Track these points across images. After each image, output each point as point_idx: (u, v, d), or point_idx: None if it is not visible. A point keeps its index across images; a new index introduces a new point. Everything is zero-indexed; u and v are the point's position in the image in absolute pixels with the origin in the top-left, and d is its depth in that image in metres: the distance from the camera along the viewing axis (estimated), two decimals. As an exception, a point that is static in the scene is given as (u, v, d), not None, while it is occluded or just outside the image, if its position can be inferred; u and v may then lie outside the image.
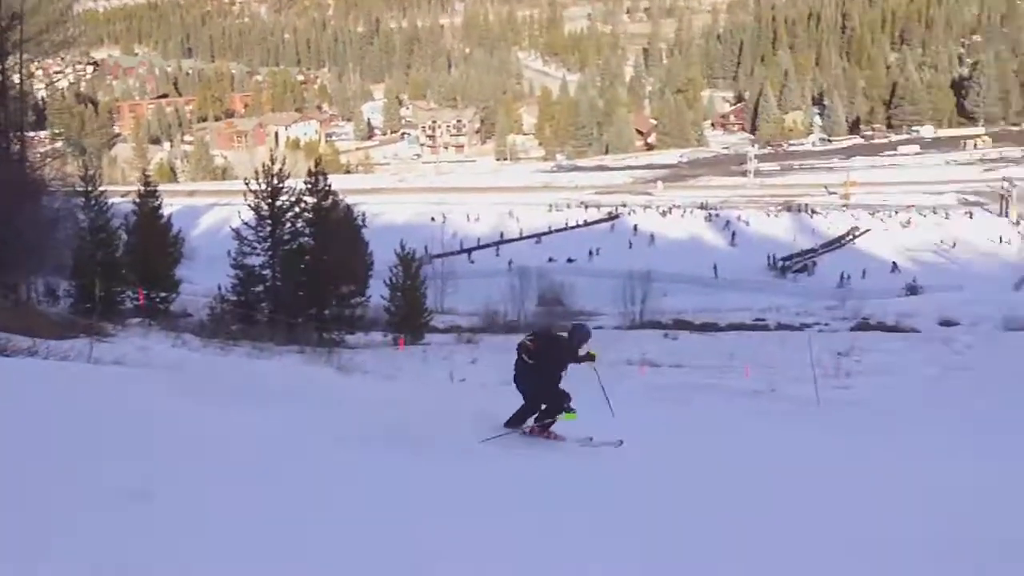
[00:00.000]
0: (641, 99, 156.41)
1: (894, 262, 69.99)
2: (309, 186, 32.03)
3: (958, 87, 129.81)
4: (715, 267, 66.28)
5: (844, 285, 60.63)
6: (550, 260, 68.48)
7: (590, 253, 73.27)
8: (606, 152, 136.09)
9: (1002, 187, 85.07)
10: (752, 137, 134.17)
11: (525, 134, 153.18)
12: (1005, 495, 8.06)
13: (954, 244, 74.89)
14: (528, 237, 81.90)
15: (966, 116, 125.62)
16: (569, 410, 9.49)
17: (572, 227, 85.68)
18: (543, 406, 9.74)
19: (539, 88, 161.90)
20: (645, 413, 13.55)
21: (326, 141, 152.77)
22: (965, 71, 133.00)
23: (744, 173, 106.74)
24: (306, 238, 31.98)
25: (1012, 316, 27.91)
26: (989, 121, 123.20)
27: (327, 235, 32.08)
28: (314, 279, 31.37)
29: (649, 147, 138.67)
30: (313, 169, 33.14)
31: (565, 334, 9.84)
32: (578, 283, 52.15)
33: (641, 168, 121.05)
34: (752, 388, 21.12)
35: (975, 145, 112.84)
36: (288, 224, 31.56)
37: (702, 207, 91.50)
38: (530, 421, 9.81)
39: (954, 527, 6.56)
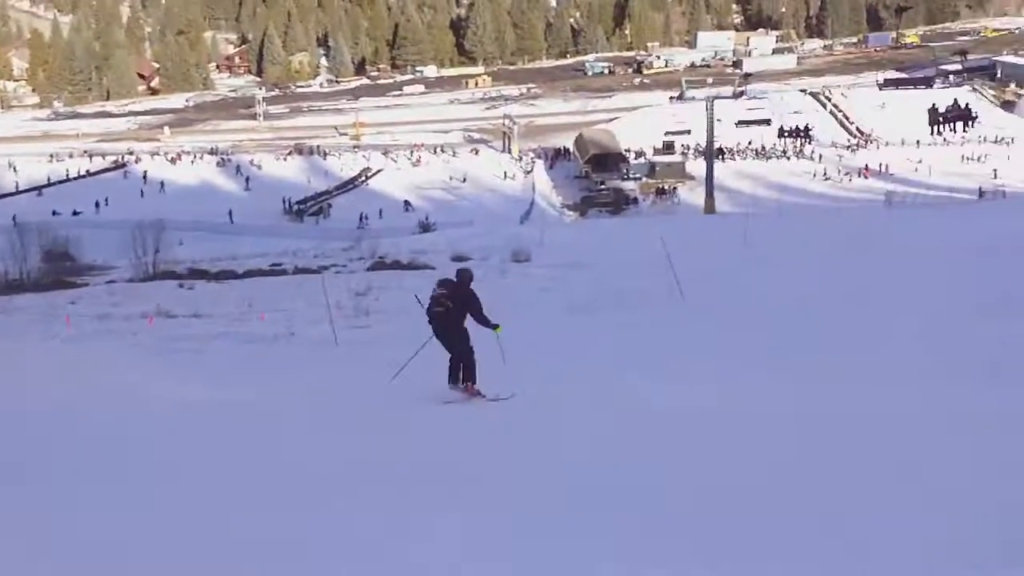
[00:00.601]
0: (141, 41, 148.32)
1: (407, 200, 71.79)
2: None
3: (456, 27, 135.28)
4: (230, 213, 64.37)
5: (362, 226, 61.11)
6: (54, 213, 63.09)
7: (97, 204, 68.51)
8: (107, 98, 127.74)
9: (503, 124, 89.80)
10: (259, 80, 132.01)
11: (16, 80, 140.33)
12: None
13: (464, 179, 78.18)
14: (28, 190, 75.38)
15: (466, 55, 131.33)
16: (495, 326, 11.12)
17: (76, 178, 79.51)
18: (465, 356, 11.09)
19: (29, 30, 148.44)
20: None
21: None
22: (463, 12, 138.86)
23: (253, 116, 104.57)
24: None
25: (517, 249, 28.90)
26: (487, 61, 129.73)
27: None
28: None
29: (153, 91, 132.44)
30: None
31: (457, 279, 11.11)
32: (85, 236, 48.25)
33: (146, 114, 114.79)
34: (271, 333, 20.69)
35: (476, 84, 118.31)
36: None
37: (212, 152, 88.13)
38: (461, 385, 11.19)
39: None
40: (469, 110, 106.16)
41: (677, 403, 10.57)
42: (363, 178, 79.62)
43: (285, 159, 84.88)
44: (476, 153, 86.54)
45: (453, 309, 10.88)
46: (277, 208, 69.56)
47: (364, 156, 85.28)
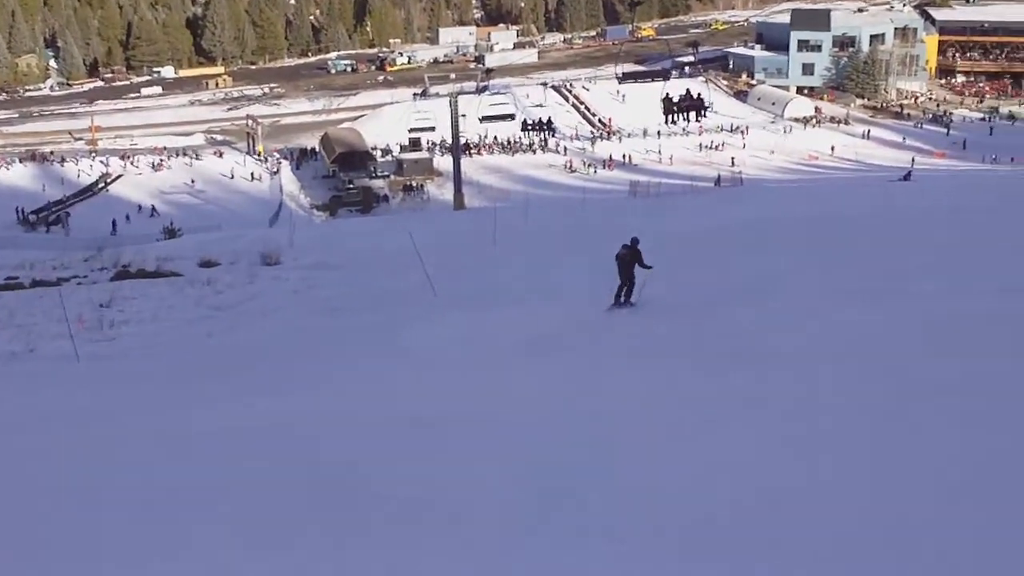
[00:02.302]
0: None
1: (153, 206, 69.39)
2: None
3: (194, 27, 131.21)
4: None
5: (114, 232, 58.67)
6: None
7: None
8: None
9: (247, 125, 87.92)
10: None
11: None
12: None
13: (209, 182, 76.14)
14: None
15: (204, 55, 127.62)
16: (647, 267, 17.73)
17: None
18: (629, 284, 17.84)
19: None
20: None
21: None
22: (199, 10, 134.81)
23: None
24: None
25: (267, 251, 28.52)
26: (227, 60, 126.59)
27: None
28: None
29: None
30: None
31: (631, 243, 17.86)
32: None
33: None
34: (8, 350, 19.71)
35: (217, 84, 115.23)
36: None
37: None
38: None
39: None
40: (211, 111, 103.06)
41: (436, 408, 10.78)
42: (102, 184, 76.10)
43: (9, 167, 79.84)
44: (220, 155, 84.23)
45: (627, 256, 17.69)
46: (10, 219, 65.61)
47: (102, 161, 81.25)
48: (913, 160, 73.22)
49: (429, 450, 8.70)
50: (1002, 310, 13.66)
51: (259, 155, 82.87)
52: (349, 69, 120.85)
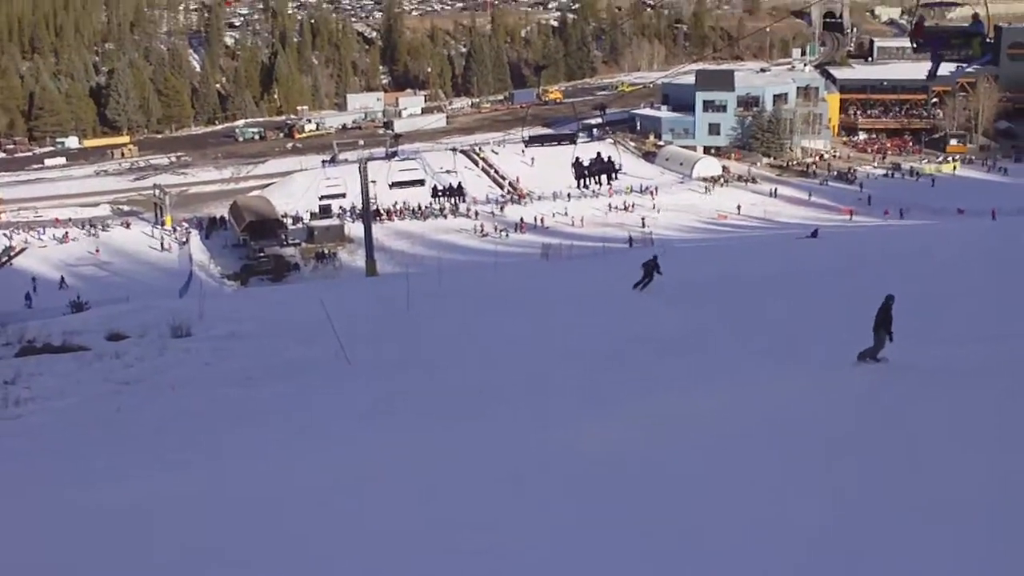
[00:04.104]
0: None
1: (62, 277, 68.13)
2: None
3: (97, 96, 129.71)
4: None
5: (29, 304, 57.44)
6: None
7: None
8: None
9: (154, 195, 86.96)
10: None
11: None
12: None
13: (116, 254, 74.98)
14: None
15: (109, 125, 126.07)
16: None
17: None
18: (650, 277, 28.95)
19: None
20: None
21: None
22: (103, 79, 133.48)
23: None
24: None
25: (177, 323, 28.11)
26: (133, 129, 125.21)
27: None
28: None
29: None
30: None
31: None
32: None
33: None
34: None
35: (123, 154, 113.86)
36: None
37: None
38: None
39: None
40: (117, 181, 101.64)
41: (345, 474, 10.80)
42: (6, 258, 74.45)
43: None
44: (128, 226, 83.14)
45: (650, 263, 28.35)
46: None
47: (5, 235, 79.72)
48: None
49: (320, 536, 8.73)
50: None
51: (167, 225, 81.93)
52: (257, 137, 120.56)
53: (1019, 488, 8.84)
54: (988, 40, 15.79)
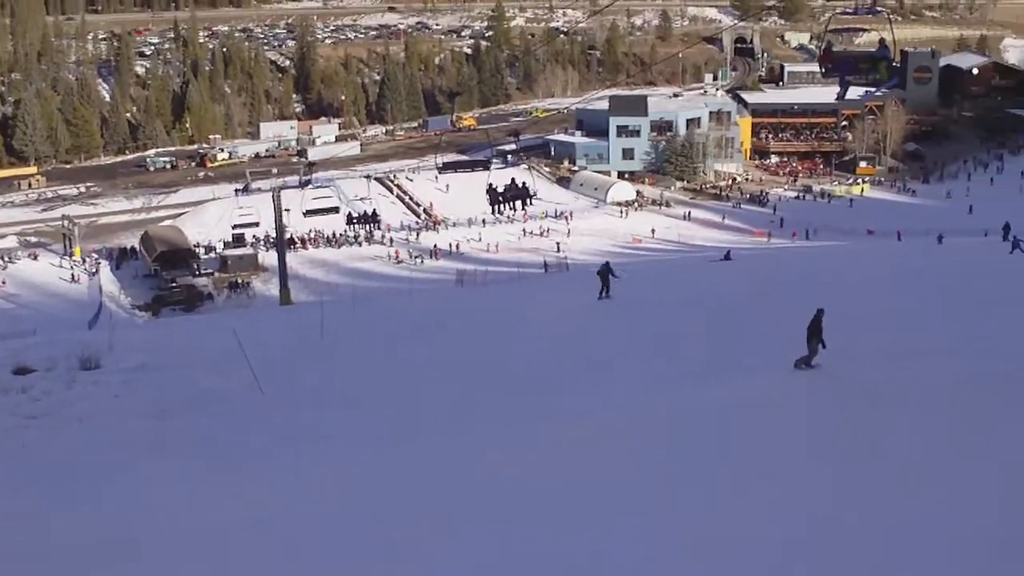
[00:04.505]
0: None
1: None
2: None
3: (3, 126, 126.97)
4: None
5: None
6: None
7: None
8: None
9: (63, 226, 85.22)
10: None
11: None
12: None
13: (24, 285, 73.35)
14: None
15: (16, 155, 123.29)
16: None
17: None
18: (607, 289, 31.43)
19: None
20: None
21: None
22: (9, 110, 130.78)
23: None
24: None
25: (86, 355, 27.63)
26: (40, 160, 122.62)
27: None
28: None
29: None
30: None
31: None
32: None
33: None
34: None
35: (30, 185, 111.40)
36: None
37: None
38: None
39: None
40: (24, 213, 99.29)
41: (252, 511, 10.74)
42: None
43: None
44: (35, 258, 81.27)
45: (603, 270, 31.42)
46: None
47: (-95, 269, 77.48)
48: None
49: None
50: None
51: (76, 256, 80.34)
52: (168, 166, 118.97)
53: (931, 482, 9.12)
54: (894, 64, 16.28)
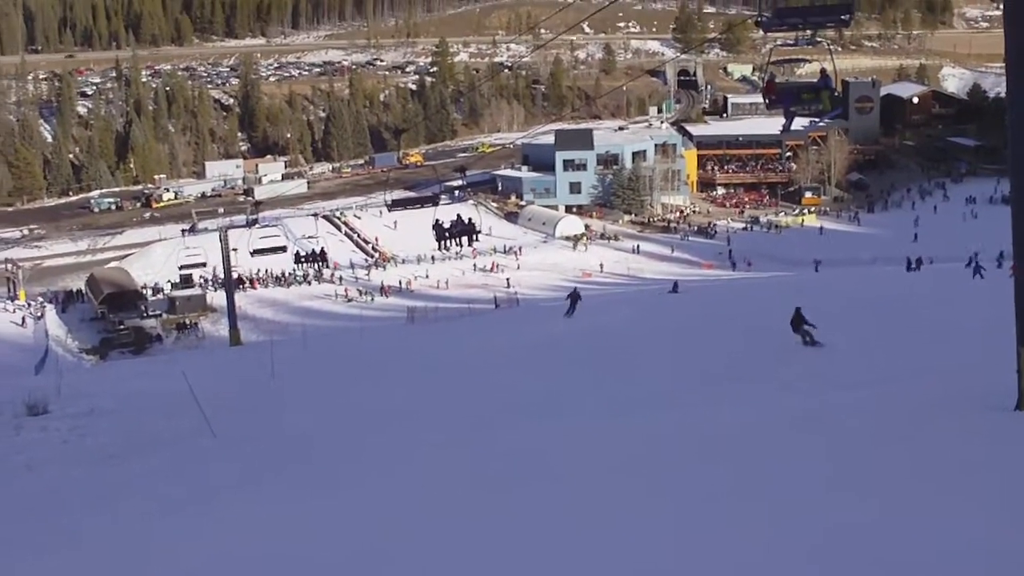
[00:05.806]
0: None
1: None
2: None
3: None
4: None
5: None
6: None
7: None
8: None
9: (6, 269, 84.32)
10: None
11: None
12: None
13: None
14: None
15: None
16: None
17: None
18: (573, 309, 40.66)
19: None
20: None
21: None
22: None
23: None
24: None
25: (33, 401, 27.38)
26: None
27: None
28: None
29: None
30: None
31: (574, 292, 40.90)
32: None
33: None
34: None
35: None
36: None
37: None
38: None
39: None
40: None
41: (206, 553, 10.78)
42: None
43: None
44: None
45: (574, 295, 41.78)
46: None
47: None
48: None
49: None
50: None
51: (20, 300, 79.34)
52: (113, 207, 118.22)
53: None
54: (836, 94, 16.70)
